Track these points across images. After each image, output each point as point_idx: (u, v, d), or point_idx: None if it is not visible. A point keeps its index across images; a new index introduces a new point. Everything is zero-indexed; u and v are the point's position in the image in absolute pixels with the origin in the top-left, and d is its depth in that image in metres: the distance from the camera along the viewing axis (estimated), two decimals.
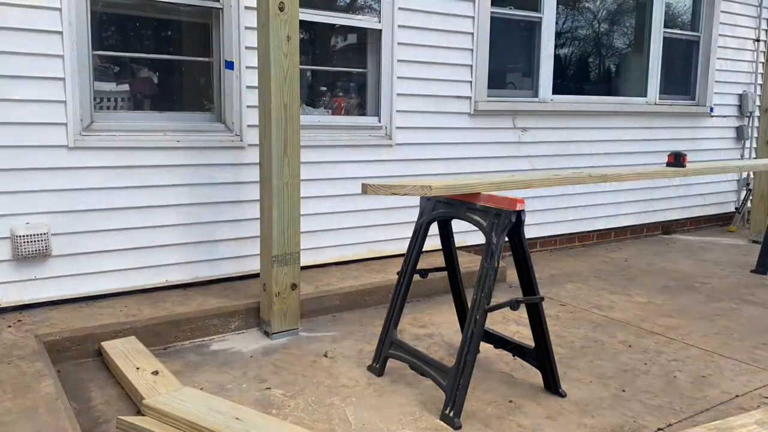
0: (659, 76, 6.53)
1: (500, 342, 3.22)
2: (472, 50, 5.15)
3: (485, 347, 3.35)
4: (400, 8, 4.71)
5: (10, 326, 3.35)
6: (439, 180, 3.25)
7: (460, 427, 2.68)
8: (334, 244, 4.66)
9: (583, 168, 5.98)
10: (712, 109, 6.96)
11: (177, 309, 3.67)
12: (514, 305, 2.80)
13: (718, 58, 6.94)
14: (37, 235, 3.54)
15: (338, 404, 2.89)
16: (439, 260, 3.37)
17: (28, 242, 3.51)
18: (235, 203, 4.18)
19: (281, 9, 3.36)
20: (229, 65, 4.08)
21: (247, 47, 4.08)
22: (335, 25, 4.64)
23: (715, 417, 2.78)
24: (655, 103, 6.51)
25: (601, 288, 4.84)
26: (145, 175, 3.86)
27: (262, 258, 3.70)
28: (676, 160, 4.30)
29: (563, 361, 3.38)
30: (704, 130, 7.01)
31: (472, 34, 5.13)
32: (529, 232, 5.55)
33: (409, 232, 3.27)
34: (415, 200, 3.25)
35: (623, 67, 6.78)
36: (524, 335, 3.69)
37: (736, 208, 7.57)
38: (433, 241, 3.29)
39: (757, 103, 7.19)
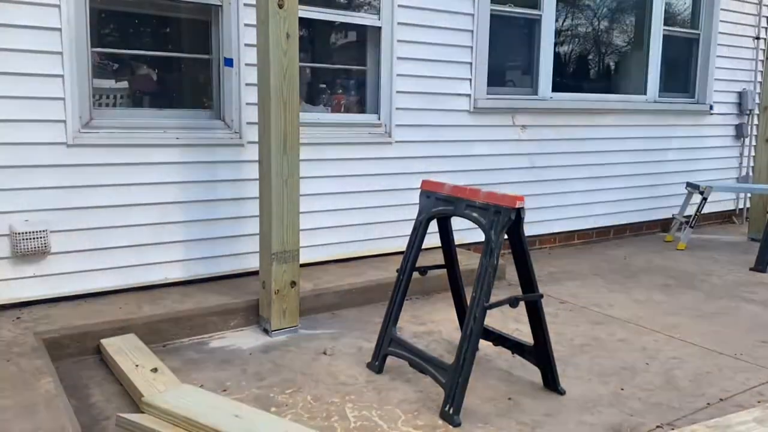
0: (659, 74, 6.52)
1: (499, 339, 3.22)
2: (471, 48, 5.14)
3: (484, 345, 3.35)
4: (399, 5, 4.71)
5: (9, 323, 3.35)
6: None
7: (459, 424, 2.68)
8: (334, 241, 4.66)
9: (581, 166, 5.99)
10: (711, 107, 6.96)
11: (176, 306, 3.67)
12: (513, 303, 2.80)
13: (717, 56, 6.93)
14: (36, 232, 3.53)
15: (337, 402, 2.89)
16: (439, 258, 3.37)
17: (27, 239, 3.51)
18: (235, 201, 4.18)
19: (280, 6, 3.35)
20: (229, 62, 4.08)
21: (246, 44, 4.07)
22: (335, 22, 4.63)
23: (713, 415, 2.78)
24: (655, 101, 6.50)
25: (600, 286, 4.84)
26: (144, 172, 3.85)
27: (262, 255, 3.70)
28: None
29: (562, 359, 3.38)
30: (704, 128, 7.00)
31: (472, 31, 5.12)
32: (529, 230, 5.54)
33: (408, 229, 3.27)
34: (416, 198, 3.25)
35: (623, 65, 6.77)
36: (523, 333, 3.69)
37: (735, 207, 7.57)
38: (432, 238, 3.29)
39: (757, 101, 7.19)
